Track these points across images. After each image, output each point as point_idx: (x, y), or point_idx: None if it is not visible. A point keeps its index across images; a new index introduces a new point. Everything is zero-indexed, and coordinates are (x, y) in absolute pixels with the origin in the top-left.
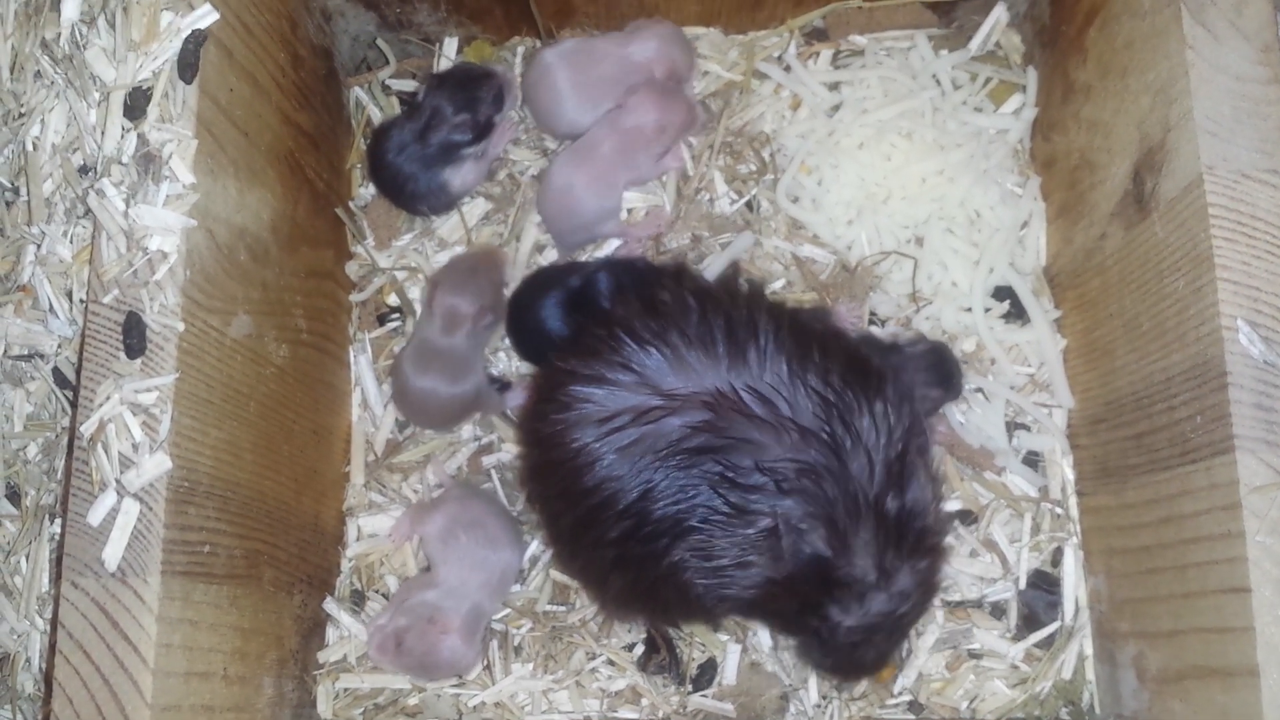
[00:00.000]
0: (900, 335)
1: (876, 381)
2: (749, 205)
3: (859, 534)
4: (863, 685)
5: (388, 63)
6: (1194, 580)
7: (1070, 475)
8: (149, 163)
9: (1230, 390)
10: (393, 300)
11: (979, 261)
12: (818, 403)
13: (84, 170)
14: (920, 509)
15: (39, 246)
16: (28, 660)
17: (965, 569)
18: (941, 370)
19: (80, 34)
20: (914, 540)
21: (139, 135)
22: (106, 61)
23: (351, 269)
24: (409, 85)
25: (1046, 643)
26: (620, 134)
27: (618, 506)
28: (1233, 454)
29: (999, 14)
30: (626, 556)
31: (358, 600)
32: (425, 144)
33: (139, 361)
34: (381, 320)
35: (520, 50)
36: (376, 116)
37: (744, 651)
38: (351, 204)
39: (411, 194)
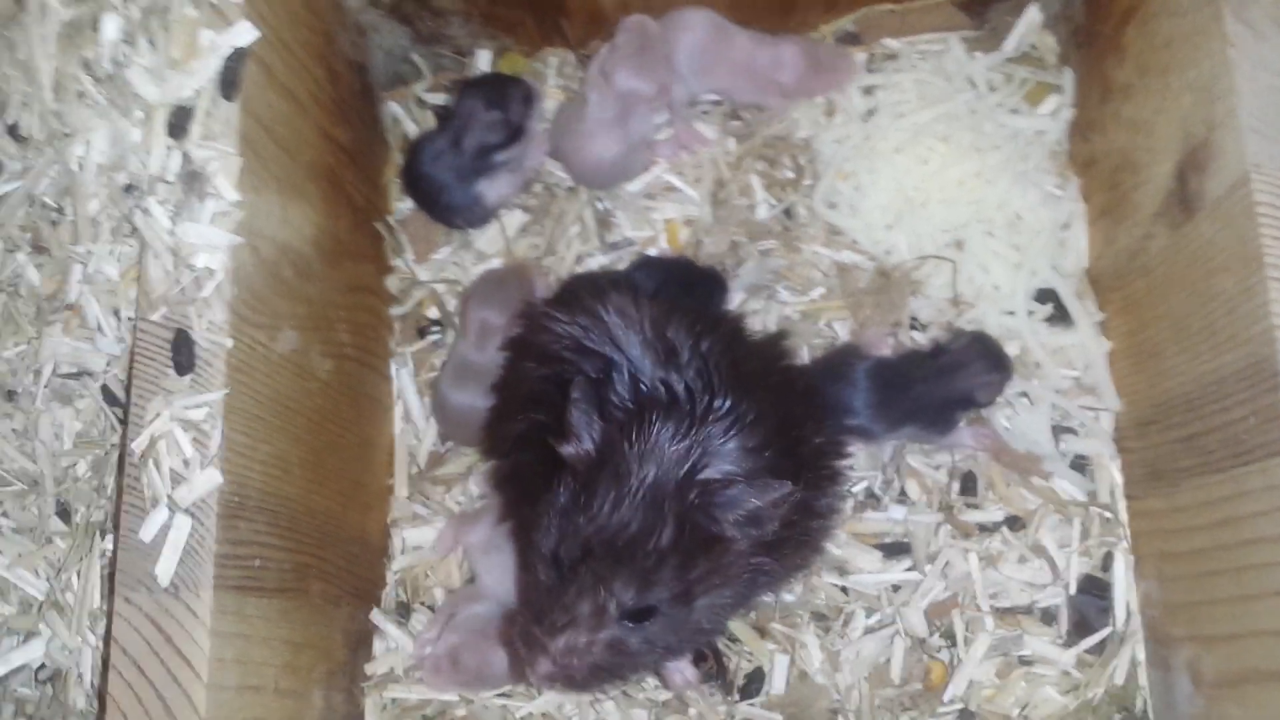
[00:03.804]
0: (939, 338)
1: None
2: (786, 212)
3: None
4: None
5: (422, 76)
6: (1252, 583)
7: (1119, 479)
8: (194, 180)
9: None
10: (433, 313)
11: (1020, 264)
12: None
13: (129, 189)
14: (719, 511)
15: (85, 266)
16: (79, 676)
17: (1014, 575)
18: (991, 353)
19: (121, 53)
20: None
21: (183, 153)
22: (148, 80)
23: (391, 283)
24: (443, 99)
25: (1098, 649)
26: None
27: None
28: None
29: (1032, 15)
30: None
31: (403, 612)
32: (459, 151)
33: (188, 378)
34: (422, 333)
35: (553, 61)
36: (412, 130)
37: (792, 663)
38: (390, 218)
39: (446, 206)
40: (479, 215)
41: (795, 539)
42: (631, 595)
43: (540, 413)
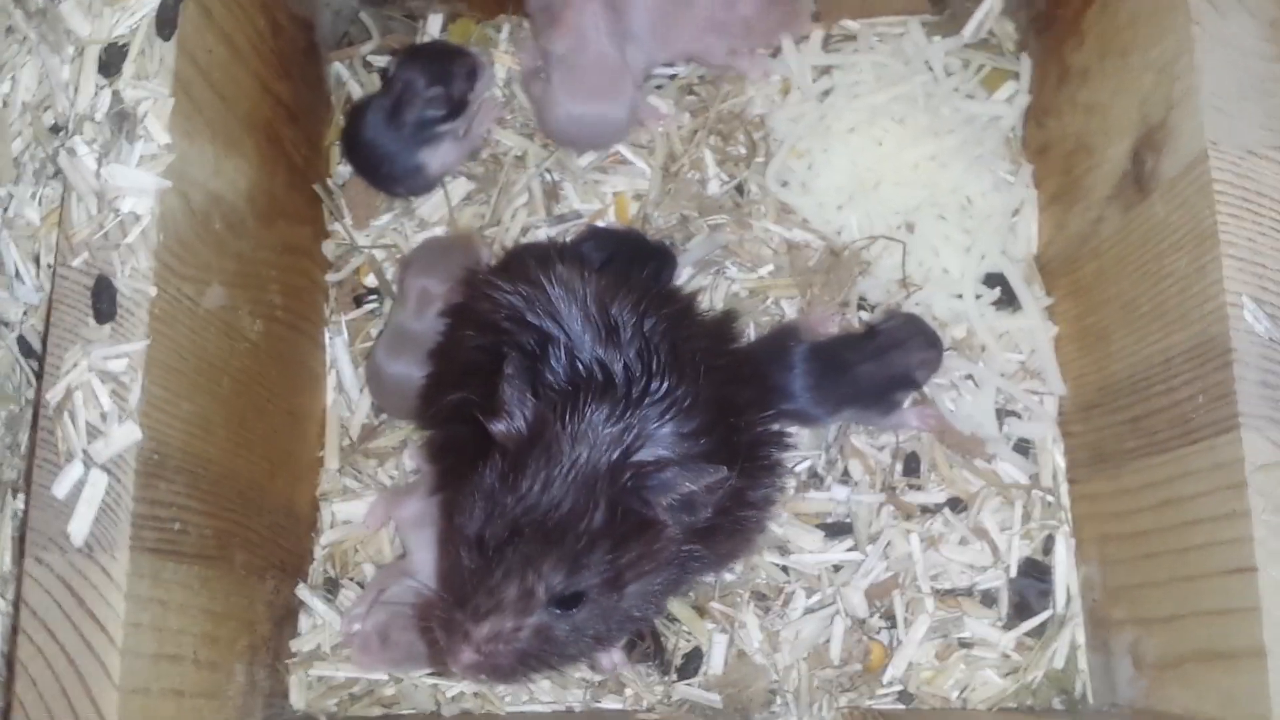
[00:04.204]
0: (871, 319)
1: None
2: (738, 189)
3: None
4: None
5: (370, 38)
6: (1195, 563)
7: (1061, 462)
8: (123, 121)
9: (1235, 367)
10: (370, 281)
11: (970, 248)
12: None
13: (55, 129)
14: (651, 494)
15: (5, 209)
16: None
17: (955, 557)
18: (925, 332)
19: None
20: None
21: (113, 93)
22: (82, 16)
23: (328, 248)
24: (388, 62)
25: (1038, 631)
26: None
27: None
28: (1237, 432)
29: (992, 1)
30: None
31: (331, 588)
32: (400, 122)
33: (109, 327)
34: (359, 302)
35: (506, 28)
36: (357, 92)
37: (731, 642)
38: (329, 181)
39: (388, 175)
40: (421, 184)
41: (728, 527)
42: (561, 579)
43: (476, 383)
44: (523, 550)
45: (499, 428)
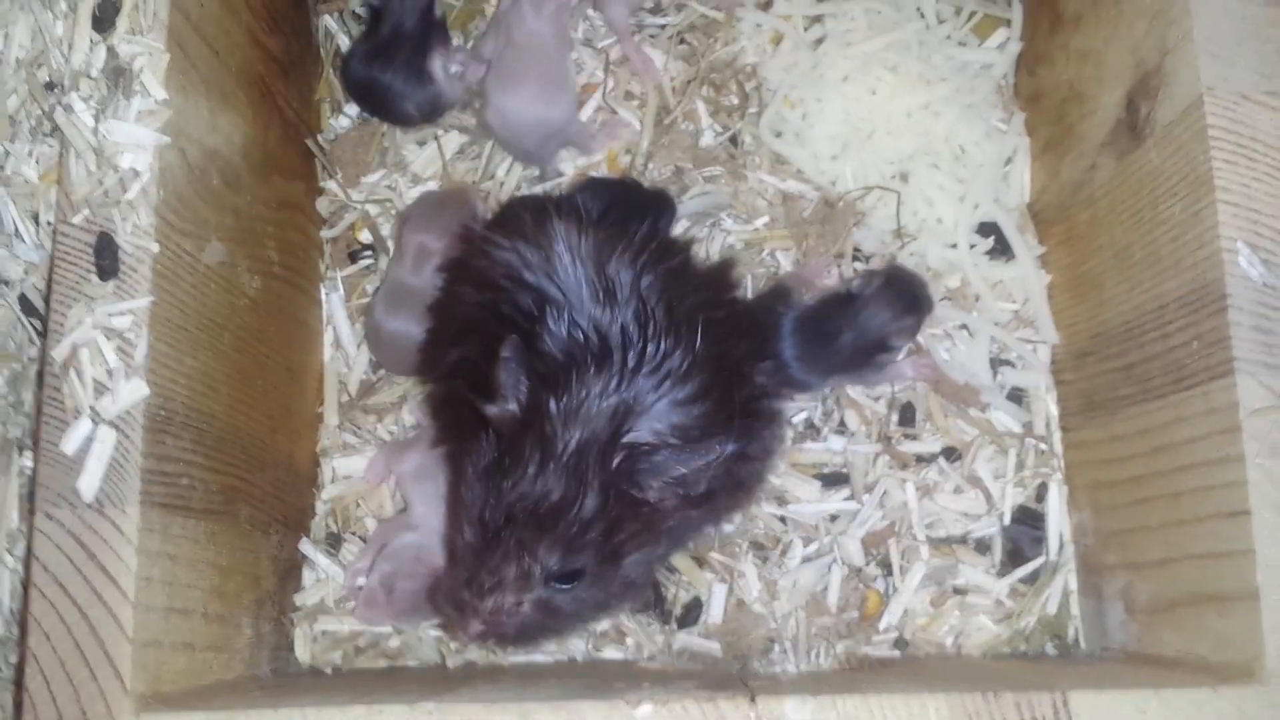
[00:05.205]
0: (851, 281)
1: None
2: (733, 140)
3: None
4: None
5: None
6: (1188, 507)
7: (1054, 411)
8: (119, 76)
9: (1230, 313)
10: (365, 237)
11: (964, 198)
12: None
13: (50, 86)
14: (643, 477)
15: (2, 167)
16: None
17: (949, 505)
18: (904, 297)
19: None
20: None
21: (108, 48)
22: None
23: (322, 205)
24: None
25: (1031, 578)
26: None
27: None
28: (1232, 377)
29: None
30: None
31: (334, 542)
32: (402, 37)
33: (112, 284)
34: (353, 257)
35: None
36: (345, 45)
37: (730, 592)
38: (320, 137)
39: (400, 93)
40: (431, 99)
41: (729, 485)
42: (556, 560)
43: (475, 340)
44: (518, 534)
45: (494, 410)
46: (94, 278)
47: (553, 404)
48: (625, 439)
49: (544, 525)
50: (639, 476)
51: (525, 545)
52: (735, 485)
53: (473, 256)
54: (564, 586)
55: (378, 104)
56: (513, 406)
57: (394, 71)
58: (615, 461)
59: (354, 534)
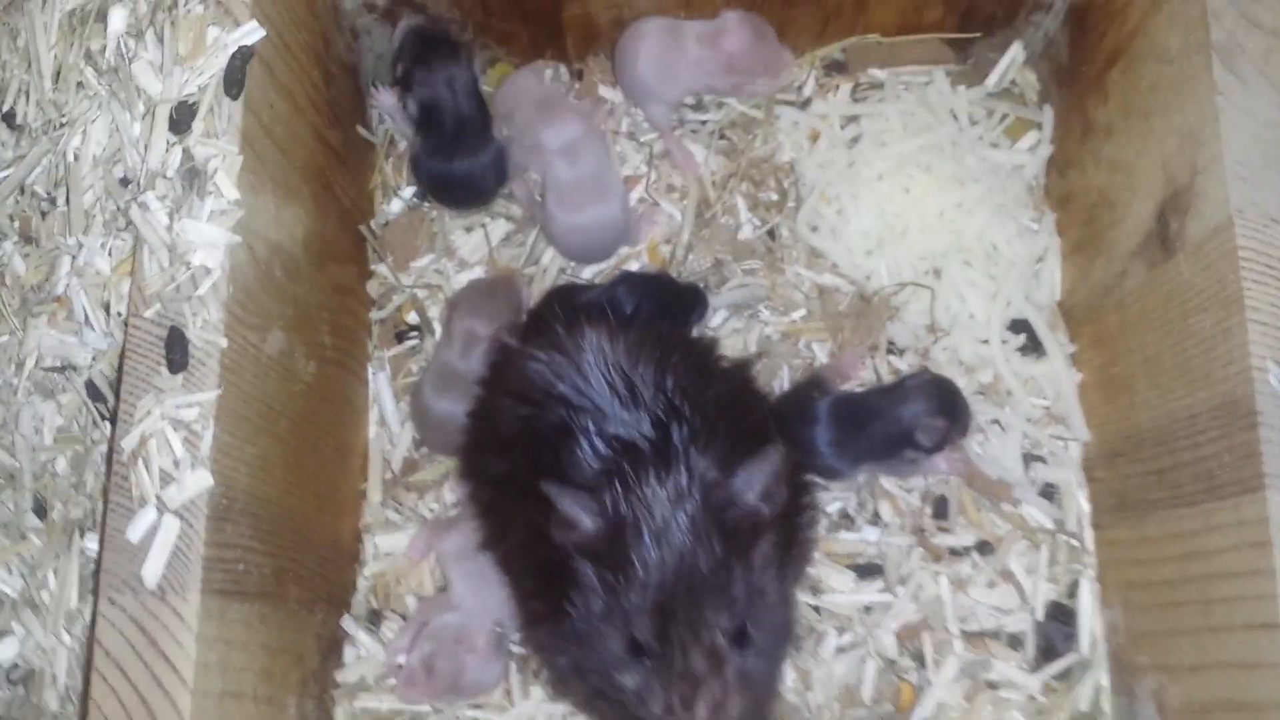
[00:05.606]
0: (903, 372)
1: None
2: (770, 234)
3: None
4: None
5: None
6: (1219, 615)
7: (1086, 507)
8: (194, 178)
9: (1261, 429)
10: (412, 319)
11: (995, 294)
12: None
13: (124, 183)
14: (739, 498)
15: (75, 258)
16: (53, 677)
17: (982, 599)
18: (943, 400)
19: (126, 46)
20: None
21: (184, 150)
22: (153, 75)
23: (372, 287)
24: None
25: (1064, 675)
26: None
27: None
28: (1263, 492)
29: (1015, 52)
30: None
31: (374, 619)
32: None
33: (181, 377)
34: (400, 338)
35: (548, 73)
36: (399, 134)
37: None
38: (373, 223)
39: (483, 176)
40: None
41: (789, 533)
42: (726, 618)
43: (518, 455)
44: (681, 615)
45: (574, 537)
46: (164, 370)
47: (621, 498)
48: (701, 485)
49: (690, 596)
50: (735, 499)
51: (693, 623)
52: (792, 533)
53: (507, 368)
54: (743, 650)
55: (464, 194)
56: (587, 524)
57: (473, 157)
58: (712, 500)
59: (394, 611)
